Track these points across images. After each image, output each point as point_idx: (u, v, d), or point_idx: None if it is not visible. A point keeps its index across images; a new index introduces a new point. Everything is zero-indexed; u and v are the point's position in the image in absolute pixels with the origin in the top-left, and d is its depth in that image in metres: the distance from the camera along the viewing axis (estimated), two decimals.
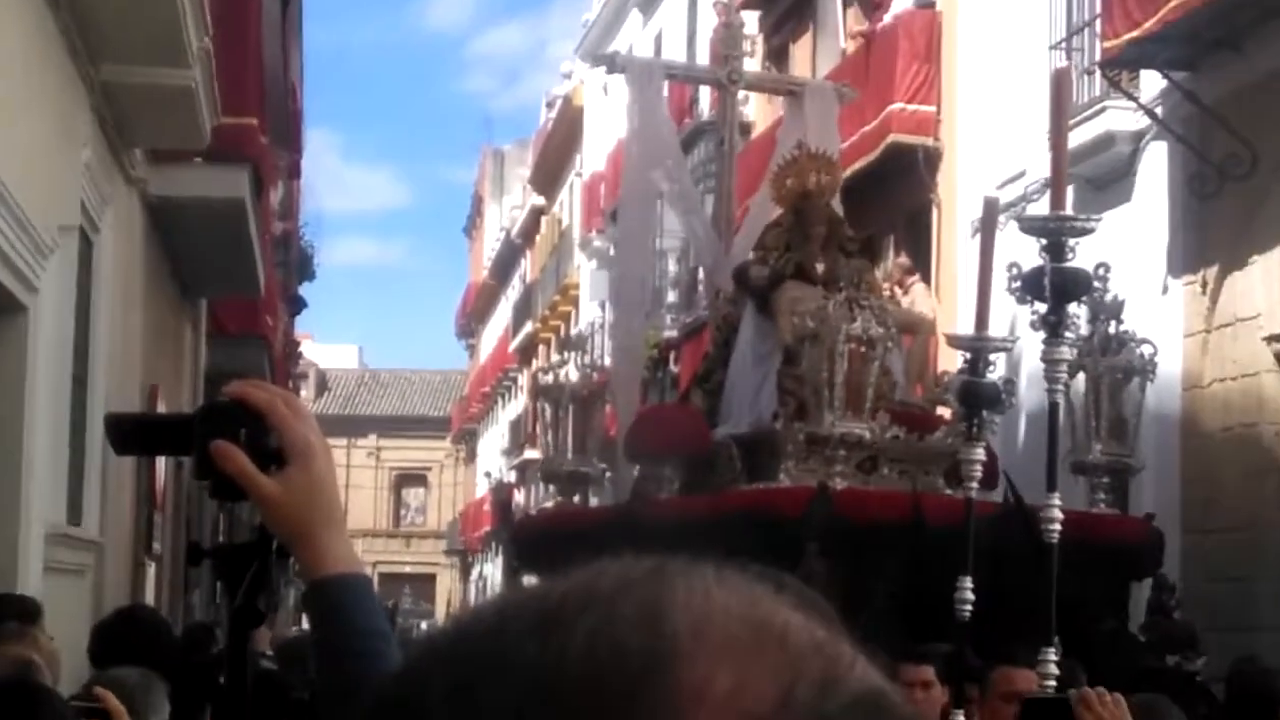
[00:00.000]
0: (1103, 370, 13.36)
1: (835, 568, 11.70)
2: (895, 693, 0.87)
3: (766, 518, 12.40)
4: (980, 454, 7.49)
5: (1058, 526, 6.00)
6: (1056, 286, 5.83)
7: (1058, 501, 6.03)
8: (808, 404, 13.54)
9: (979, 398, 7.48)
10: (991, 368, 7.68)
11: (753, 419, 14.58)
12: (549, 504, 21.11)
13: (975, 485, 7.37)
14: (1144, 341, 13.65)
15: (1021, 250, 6.51)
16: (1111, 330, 13.43)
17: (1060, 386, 6.09)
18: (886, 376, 13.53)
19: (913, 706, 0.88)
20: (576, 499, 16.87)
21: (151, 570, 15.12)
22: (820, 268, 15.19)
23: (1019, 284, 6.08)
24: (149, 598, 14.61)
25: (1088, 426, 13.37)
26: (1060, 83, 6.72)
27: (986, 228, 7.63)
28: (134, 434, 2.95)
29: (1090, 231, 6.06)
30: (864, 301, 13.75)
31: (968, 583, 7.03)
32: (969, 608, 7.04)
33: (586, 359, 18.14)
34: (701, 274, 25.82)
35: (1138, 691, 7.27)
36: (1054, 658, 5.91)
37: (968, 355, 7.49)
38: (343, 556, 2.52)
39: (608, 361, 19.02)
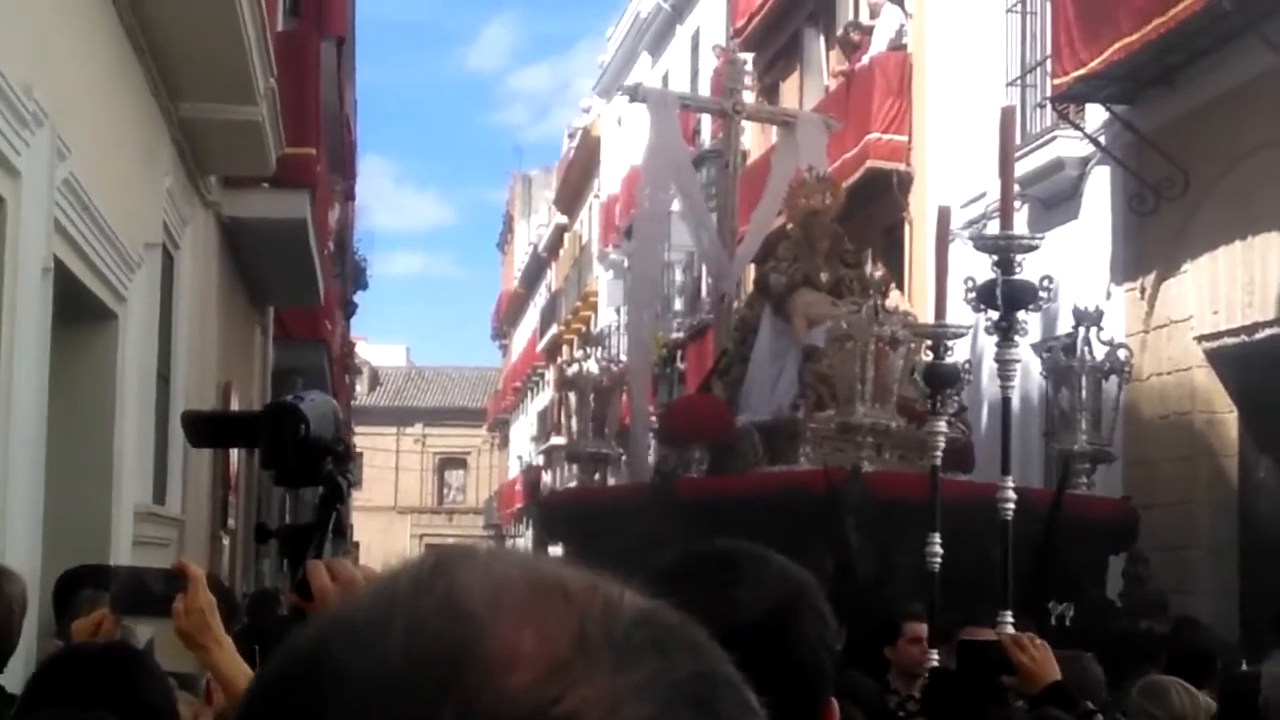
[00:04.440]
0: (1087, 369, 13.45)
1: (867, 541, 11.74)
2: (663, 608, 0.88)
3: (802, 496, 12.42)
4: (943, 427, 7.52)
5: (1011, 505, 5.99)
6: (1007, 296, 5.84)
7: (1011, 483, 6.03)
8: (837, 396, 13.55)
9: (940, 378, 7.53)
10: (950, 353, 7.71)
11: (772, 408, 14.60)
12: (573, 483, 21.12)
13: (939, 457, 7.39)
14: (1121, 345, 13.76)
15: (978, 265, 6.52)
16: (1093, 336, 13.56)
17: (1012, 384, 6.08)
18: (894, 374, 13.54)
19: (684, 617, 0.89)
20: (596, 477, 16.93)
21: (226, 543, 15.14)
22: (824, 276, 15.26)
23: (974, 295, 6.08)
24: (224, 568, 14.64)
25: (1073, 419, 13.45)
26: (1006, 120, 6.72)
27: (941, 235, 7.64)
28: (207, 429, 2.94)
29: (1035, 248, 6.07)
30: (889, 308, 13.83)
31: (937, 546, 7.04)
32: (938, 567, 7.07)
33: (605, 354, 18.16)
34: (706, 281, 25.81)
35: (1114, 651, 7.28)
36: (1010, 619, 5.90)
37: (929, 343, 7.52)
38: None
39: (623, 358, 19.02)
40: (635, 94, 19.87)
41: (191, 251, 12.15)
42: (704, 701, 0.84)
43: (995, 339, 5.96)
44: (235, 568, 16.04)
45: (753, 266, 18.00)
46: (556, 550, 16.62)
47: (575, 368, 17.42)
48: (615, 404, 17.06)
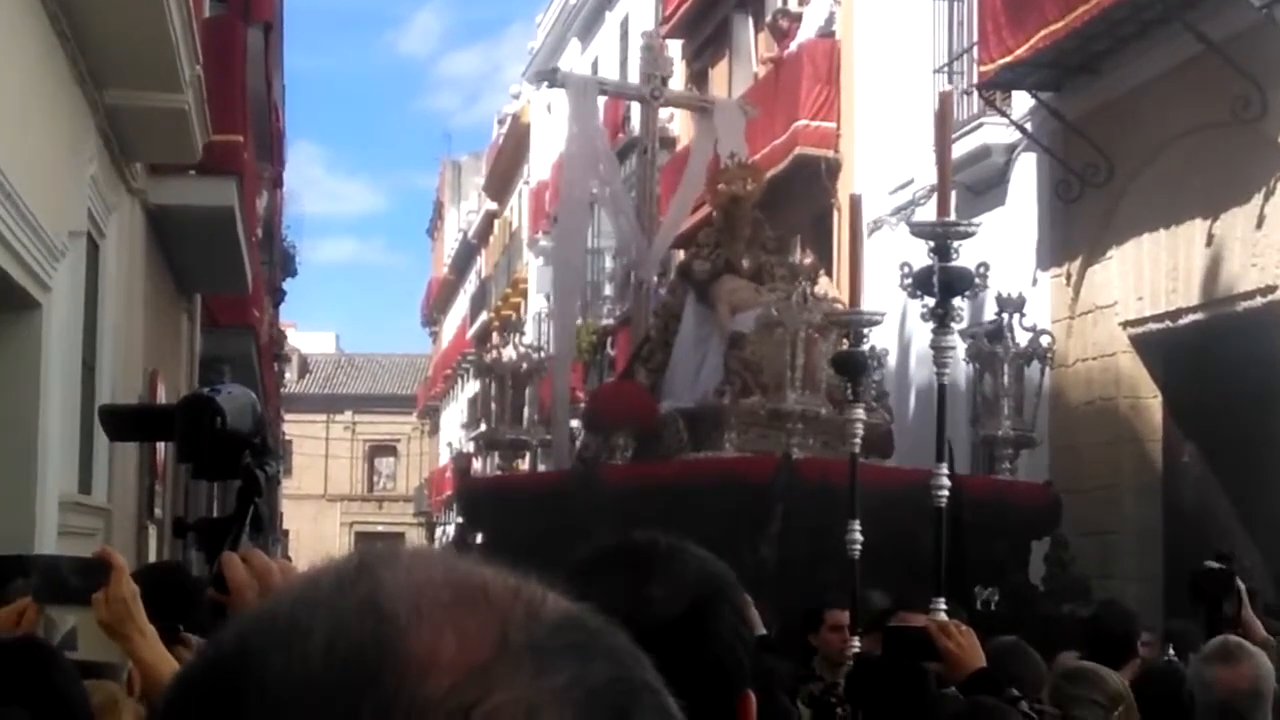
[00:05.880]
0: (1010, 355, 13.50)
1: (797, 528, 11.71)
2: (586, 612, 0.89)
3: (732, 483, 12.39)
4: (861, 414, 7.53)
5: (945, 492, 5.95)
6: (943, 283, 5.80)
7: (945, 470, 5.98)
8: (762, 383, 13.54)
9: (850, 365, 7.56)
10: (867, 339, 7.75)
11: (697, 395, 14.56)
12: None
13: (859, 444, 7.41)
14: (1044, 332, 13.82)
15: (912, 250, 6.47)
16: (1016, 323, 13.62)
17: (947, 370, 6.03)
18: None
19: (606, 621, 0.90)
20: (524, 464, 16.89)
21: (153, 533, 15.00)
22: (746, 263, 15.23)
23: (910, 281, 6.04)
24: (151, 557, 14.49)
25: (996, 404, 13.49)
26: (944, 105, 6.69)
27: (855, 222, 7.69)
28: (124, 422, 2.90)
29: (972, 235, 6.03)
30: (817, 295, 13.85)
31: (858, 534, 7.05)
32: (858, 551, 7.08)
33: (524, 339, 18.13)
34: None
35: (1038, 635, 7.27)
36: (943, 606, 5.85)
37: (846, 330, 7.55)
38: None
39: (549, 345, 19.01)
40: (554, 79, 19.84)
41: (117, 239, 12.01)
42: (623, 707, 0.85)
43: (931, 325, 5.91)
44: (162, 557, 15.86)
45: (680, 253, 17.95)
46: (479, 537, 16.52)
47: (493, 354, 17.38)
48: (535, 391, 17.01)
